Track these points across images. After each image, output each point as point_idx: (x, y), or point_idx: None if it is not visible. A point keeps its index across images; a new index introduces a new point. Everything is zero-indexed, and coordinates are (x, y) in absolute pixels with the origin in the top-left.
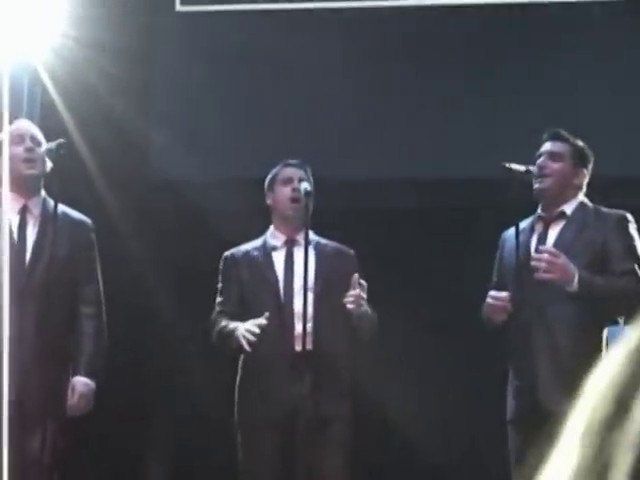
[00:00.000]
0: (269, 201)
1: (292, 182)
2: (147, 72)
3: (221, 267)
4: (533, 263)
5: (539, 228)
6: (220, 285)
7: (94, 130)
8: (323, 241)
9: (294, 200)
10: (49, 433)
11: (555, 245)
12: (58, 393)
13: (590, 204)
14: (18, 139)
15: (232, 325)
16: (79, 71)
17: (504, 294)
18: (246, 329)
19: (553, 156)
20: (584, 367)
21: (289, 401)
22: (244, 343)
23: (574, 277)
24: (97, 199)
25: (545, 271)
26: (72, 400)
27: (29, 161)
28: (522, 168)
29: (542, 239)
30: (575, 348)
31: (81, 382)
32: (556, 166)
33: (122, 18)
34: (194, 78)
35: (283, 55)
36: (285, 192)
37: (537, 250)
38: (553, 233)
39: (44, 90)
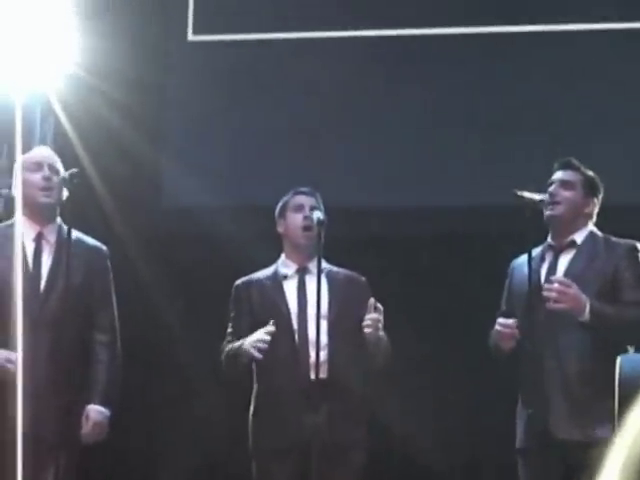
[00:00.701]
0: (280, 229)
1: (303, 210)
2: (159, 101)
3: (232, 296)
4: (545, 293)
5: (549, 257)
6: (232, 314)
7: (106, 159)
8: (335, 269)
9: (306, 228)
10: (63, 462)
11: (566, 274)
12: (72, 421)
13: (600, 234)
14: (36, 167)
15: (238, 342)
16: (91, 101)
17: (511, 321)
18: (255, 339)
19: (564, 184)
20: (595, 396)
21: (304, 430)
22: (254, 352)
23: (585, 307)
24: (109, 227)
25: (556, 301)
26: (87, 428)
27: (46, 189)
28: (535, 196)
29: (552, 268)
30: (586, 377)
31: (95, 410)
32: (567, 194)
33: (134, 48)
34: (206, 107)
35: (294, 84)
36: (297, 220)
37: (548, 280)
38: (563, 262)
39: (57, 120)
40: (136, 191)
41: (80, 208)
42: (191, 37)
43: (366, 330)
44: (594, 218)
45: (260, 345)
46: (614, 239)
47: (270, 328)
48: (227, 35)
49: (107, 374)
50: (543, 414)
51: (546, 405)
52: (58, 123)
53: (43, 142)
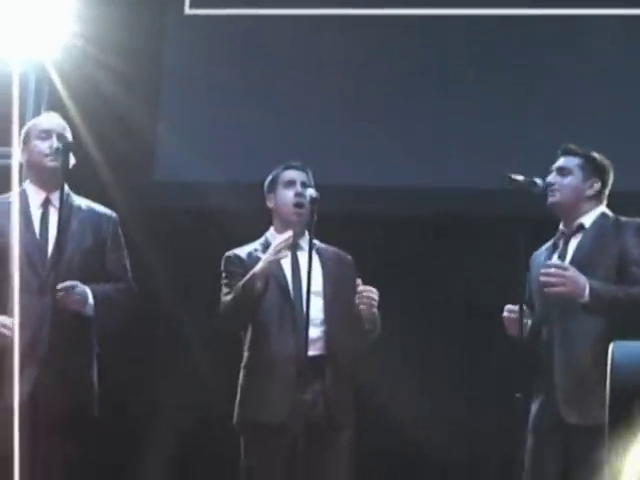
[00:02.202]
0: (270, 204)
1: (295, 185)
2: (155, 72)
3: (225, 266)
4: (541, 278)
5: (560, 244)
6: (226, 281)
7: (101, 130)
8: (323, 246)
9: (298, 205)
10: (66, 430)
11: (573, 258)
12: (77, 389)
13: (611, 214)
14: (45, 135)
15: (246, 276)
16: (87, 70)
17: (515, 307)
18: (274, 246)
19: (561, 171)
20: (603, 380)
21: (296, 407)
22: (278, 255)
23: (585, 288)
24: (102, 196)
25: (554, 285)
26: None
27: (52, 154)
28: (526, 179)
29: (563, 254)
30: (595, 362)
31: (86, 289)
32: (564, 180)
33: (131, 19)
34: (202, 80)
35: (289, 59)
36: (288, 196)
37: (544, 265)
38: (572, 246)
39: (51, 88)
40: (130, 162)
41: (74, 177)
42: (188, 10)
43: (362, 307)
44: (604, 199)
45: (281, 246)
46: (623, 219)
47: (286, 235)
48: (223, 9)
49: (116, 293)
50: (553, 398)
51: (556, 389)
52: (53, 91)
53: (37, 111)
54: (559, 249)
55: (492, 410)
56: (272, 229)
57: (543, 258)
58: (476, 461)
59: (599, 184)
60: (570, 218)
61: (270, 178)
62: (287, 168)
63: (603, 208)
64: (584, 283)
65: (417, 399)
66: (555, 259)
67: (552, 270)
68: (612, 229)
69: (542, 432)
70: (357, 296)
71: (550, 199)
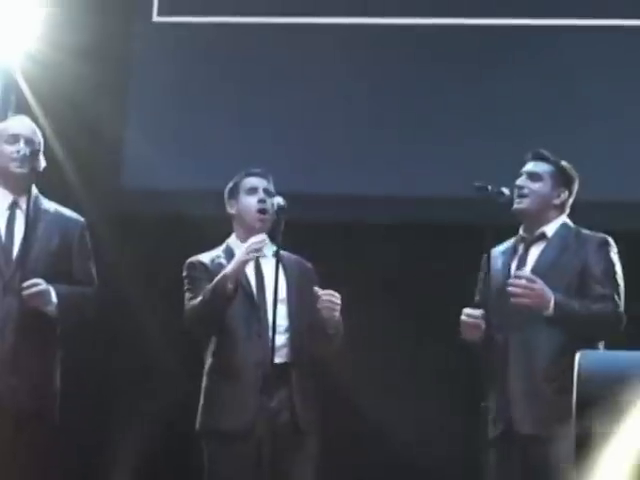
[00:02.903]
0: (232, 210)
1: (257, 192)
2: (123, 79)
3: (188, 272)
4: (510, 288)
5: (520, 249)
6: (189, 287)
7: (69, 135)
8: (285, 253)
9: (262, 211)
10: (31, 434)
11: (535, 267)
12: (42, 392)
13: (572, 225)
14: (12, 139)
15: (216, 278)
16: (54, 76)
17: (477, 312)
18: (247, 246)
19: (532, 176)
20: (559, 392)
21: (260, 414)
22: (251, 255)
23: (550, 302)
24: (70, 201)
25: (521, 296)
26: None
27: (19, 160)
28: (493, 188)
29: (522, 260)
30: (551, 373)
31: (50, 287)
32: (534, 186)
33: (99, 24)
34: (169, 87)
35: (256, 66)
36: (251, 203)
37: (515, 275)
38: (533, 254)
39: (19, 94)
40: (97, 169)
41: (42, 182)
42: (156, 18)
43: (325, 312)
44: (567, 209)
45: (255, 246)
46: (585, 231)
47: (261, 236)
48: (191, 17)
49: (80, 294)
50: (507, 407)
51: (510, 398)
52: (20, 98)
53: (3, 117)
54: (518, 254)
55: (461, 415)
56: (234, 236)
57: (501, 262)
58: (444, 466)
59: (566, 194)
60: (533, 225)
61: (231, 184)
62: (249, 175)
63: (565, 218)
64: (550, 297)
65: (384, 404)
66: (514, 265)
67: (522, 282)
68: (575, 242)
69: (495, 440)
70: (318, 301)
71: (517, 205)
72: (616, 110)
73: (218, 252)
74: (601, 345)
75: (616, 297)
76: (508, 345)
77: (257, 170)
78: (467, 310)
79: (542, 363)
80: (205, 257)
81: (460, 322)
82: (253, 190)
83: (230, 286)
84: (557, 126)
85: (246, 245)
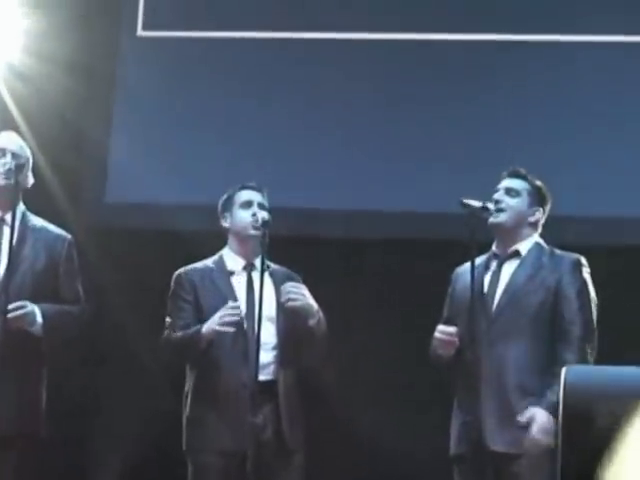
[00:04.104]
0: (226, 224)
1: (252, 206)
2: (108, 92)
3: (175, 286)
4: None
5: (493, 266)
6: (172, 304)
7: (53, 148)
8: (277, 267)
9: (255, 226)
10: (17, 454)
11: (509, 284)
12: (27, 407)
13: (545, 245)
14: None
15: (194, 328)
16: (39, 88)
17: (452, 329)
18: (222, 314)
19: (510, 192)
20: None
21: (247, 432)
22: (222, 328)
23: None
24: (54, 216)
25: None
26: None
27: (5, 173)
28: (479, 204)
29: (495, 277)
30: (523, 389)
31: (34, 307)
32: (512, 202)
33: (85, 38)
34: (155, 101)
35: (242, 80)
36: (246, 217)
37: (489, 290)
38: (507, 271)
39: (2, 105)
40: (82, 182)
41: (26, 196)
42: (140, 32)
43: (289, 304)
44: (539, 228)
45: (227, 319)
46: (558, 252)
47: (234, 304)
48: (175, 32)
49: (66, 313)
50: (478, 423)
51: (480, 415)
52: (3, 109)
53: None
54: (491, 271)
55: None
56: (227, 248)
57: (470, 278)
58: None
59: (540, 212)
60: (507, 242)
61: (225, 197)
62: (243, 188)
63: (538, 237)
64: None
65: (371, 419)
66: (487, 282)
67: None
68: (549, 261)
69: (462, 457)
70: (283, 297)
71: (494, 219)
72: (604, 126)
73: (209, 263)
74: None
75: (589, 334)
76: (479, 361)
77: (252, 184)
78: (441, 327)
79: (515, 379)
80: (195, 270)
81: (434, 339)
82: (248, 204)
83: (202, 346)
84: (544, 143)
85: (219, 314)
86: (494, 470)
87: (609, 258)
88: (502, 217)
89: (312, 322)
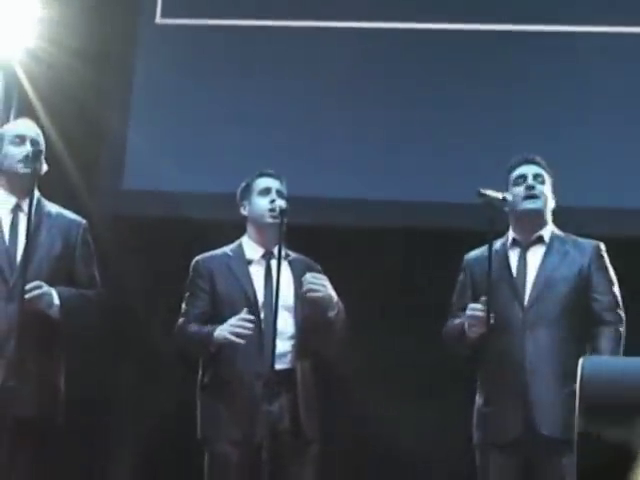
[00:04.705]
0: (244, 212)
1: (270, 193)
2: (126, 80)
3: (192, 274)
4: None
5: (515, 252)
6: (189, 292)
7: (71, 135)
8: (296, 255)
9: (273, 212)
10: (34, 440)
11: (540, 269)
12: (45, 398)
13: (561, 232)
14: (19, 140)
15: (207, 328)
16: (57, 75)
17: (480, 305)
18: (233, 324)
19: (537, 177)
20: (569, 392)
21: (263, 421)
22: (232, 337)
23: None
24: (72, 203)
25: None
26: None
27: (25, 161)
28: (499, 195)
29: (522, 262)
30: (565, 373)
31: (52, 290)
32: (542, 188)
33: (103, 26)
34: (173, 89)
35: (260, 69)
36: (264, 204)
37: (518, 276)
38: (534, 257)
39: (21, 93)
40: (100, 170)
41: (44, 183)
42: (159, 20)
43: (310, 294)
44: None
45: (239, 330)
46: (578, 238)
47: (249, 316)
48: (194, 19)
49: (83, 297)
50: (523, 411)
51: (527, 402)
52: (22, 96)
53: (6, 116)
54: (517, 257)
55: (464, 418)
56: (246, 236)
57: (495, 265)
58: (447, 472)
59: (555, 201)
60: (533, 228)
61: (244, 185)
62: (262, 175)
63: (553, 225)
64: None
65: (386, 412)
66: (515, 267)
67: None
68: (573, 247)
69: (501, 443)
70: (304, 288)
71: (531, 204)
72: (613, 117)
73: (228, 250)
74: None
75: (620, 302)
76: (519, 346)
77: (270, 171)
78: (472, 305)
79: (557, 365)
80: (213, 257)
81: (467, 317)
82: (266, 191)
83: (213, 349)
84: (555, 135)
85: (232, 322)
86: (539, 456)
87: (609, 249)
88: (538, 203)
89: (332, 314)
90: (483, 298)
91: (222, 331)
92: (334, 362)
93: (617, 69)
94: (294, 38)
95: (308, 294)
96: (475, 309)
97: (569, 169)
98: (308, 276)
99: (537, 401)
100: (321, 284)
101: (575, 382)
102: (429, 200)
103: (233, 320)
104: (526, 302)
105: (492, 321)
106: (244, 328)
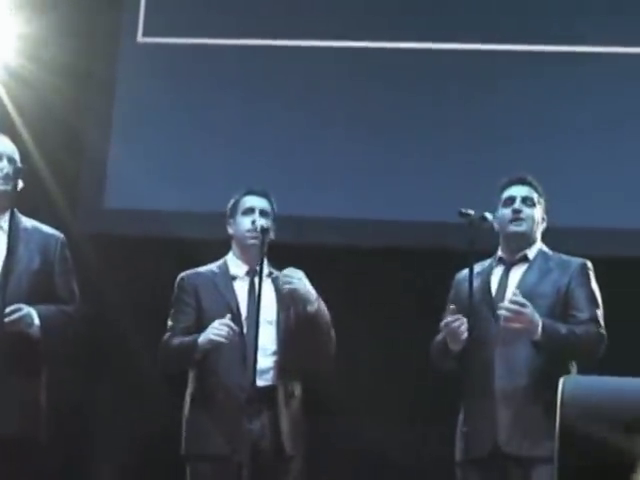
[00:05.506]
0: (230, 230)
1: (253, 213)
2: (108, 98)
3: (177, 288)
4: (500, 312)
5: (499, 270)
6: (174, 308)
7: (53, 153)
8: (279, 273)
9: (254, 234)
10: (16, 460)
11: (518, 287)
12: (26, 411)
13: (549, 250)
14: None
15: (191, 337)
16: (39, 93)
17: (458, 315)
18: (216, 326)
19: (526, 200)
20: (544, 410)
21: (245, 437)
22: (216, 337)
23: (538, 327)
24: (53, 221)
25: (512, 321)
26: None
27: (3, 178)
28: (478, 214)
29: (503, 281)
30: (534, 393)
31: (31, 310)
32: (530, 211)
33: (85, 43)
34: (154, 107)
35: (242, 87)
36: (246, 224)
37: (510, 300)
38: (515, 275)
39: (2, 110)
40: (80, 188)
41: (25, 200)
42: (140, 39)
43: (285, 286)
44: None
45: (222, 332)
46: (565, 256)
47: (230, 323)
48: (175, 38)
49: (62, 314)
50: (491, 428)
51: (495, 419)
52: (3, 114)
53: None
54: (498, 275)
55: (449, 436)
56: (231, 253)
57: (478, 283)
58: None
59: (545, 219)
60: (519, 248)
61: (232, 202)
62: (247, 194)
63: (540, 243)
64: (538, 322)
65: (372, 426)
66: (495, 286)
67: (513, 307)
68: (556, 264)
69: (474, 461)
70: (280, 283)
71: (516, 227)
72: (603, 136)
73: (214, 267)
74: (573, 369)
75: (598, 318)
76: (490, 363)
77: (256, 189)
78: (449, 317)
79: (526, 381)
80: (198, 274)
81: (445, 330)
82: (250, 210)
83: (199, 355)
84: (543, 153)
85: (213, 325)
86: (505, 474)
87: (608, 269)
88: (524, 226)
89: (311, 308)
90: (452, 306)
91: (206, 335)
92: (319, 379)
93: (604, 88)
94: (276, 56)
95: (284, 286)
96: (447, 323)
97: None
98: (284, 271)
99: (503, 418)
100: (297, 277)
101: (547, 399)
102: (416, 219)
103: (215, 323)
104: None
105: (466, 334)
106: (227, 330)
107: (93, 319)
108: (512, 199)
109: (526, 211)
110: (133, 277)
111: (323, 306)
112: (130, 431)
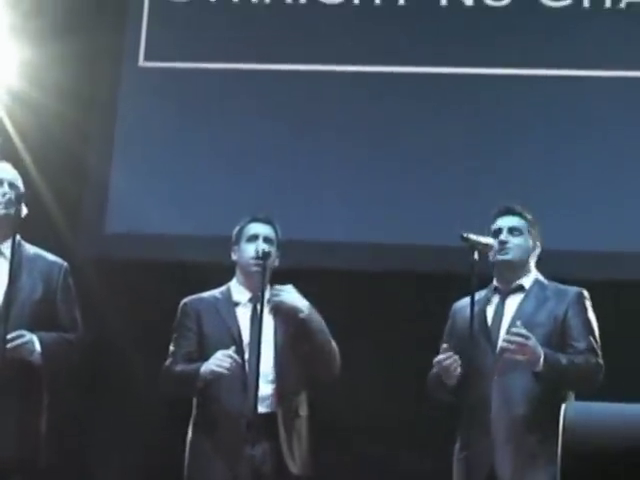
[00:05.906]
0: (234, 256)
1: (257, 240)
2: (109, 122)
3: (179, 314)
4: (503, 344)
5: (495, 300)
6: (176, 333)
7: (55, 178)
8: None
9: (257, 262)
10: None
11: (515, 317)
12: (26, 437)
13: (544, 280)
14: None
15: (194, 365)
16: (41, 118)
17: (449, 352)
18: (219, 357)
19: (513, 231)
20: (541, 442)
21: (246, 464)
22: (218, 369)
23: (540, 358)
24: (55, 246)
25: (514, 352)
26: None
27: (5, 203)
28: (482, 240)
29: (499, 310)
30: (532, 422)
31: (34, 337)
32: (517, 241)
33: (87, 68)
34: (156, 132)
35: (245, 111)
36: (249, 251)
37: (511, 331)
38: (511, 305)
39: (5, 136)
40: (82, 213)
41: (27, 226)
42: (142, 63)
43: (273, 299)
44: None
45: (225, 364)
46: (561, 285)
47: (233, 354)
48: (177, 63)
49: (64, 341)
50: (488, 457)
51: (491, 448)
52: (6, 139)
53: None
54: (494, 305)
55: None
56: (235, 279)
57: (471, 313)
58: None
59: (539, 249)
60: (512, 278)
61: (237, 229)
62: (252, 221)
63: (536, 271)
64: (540, 353)
65: (375, 446)
66: (490, 315)
67: (517, 338)
68: (553, 294)
69: None
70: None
71: (501, 256)
72: (604, 158)
73: (216, 293)
74: (571, 395)
75: (596, 348)
76: (487, 393)
77: (260, 216)
78: (440, 357)
79: (523, 411)
80: (201, 300)
81: (436, 367)
82: (254, 237)
83: (200, 384)
84: (540, 177)
85: (216, 356)
86: None
87: (607, 293)
88: (510, 255)
89: (303, 315)
90: (444, 345)
91: (208, 365)
92: (323, 402)
93: (607, 113)
94: (277, 80)
95: (273, 298)
96: (439, 360)
97: (553, 214)
98: (274, 288)
99: (498, 448)
100: (286, 290)
101: (544, 428)
102: (417, 243)
103: (219, 354)
104: (498, 349)
105: (459, 370)
106: (230, 361)
107: (94, 344)
108: (499, 230)
109: (512, 241)
110: (135, 302)
111: (316, 314)
112: (131, 457)
